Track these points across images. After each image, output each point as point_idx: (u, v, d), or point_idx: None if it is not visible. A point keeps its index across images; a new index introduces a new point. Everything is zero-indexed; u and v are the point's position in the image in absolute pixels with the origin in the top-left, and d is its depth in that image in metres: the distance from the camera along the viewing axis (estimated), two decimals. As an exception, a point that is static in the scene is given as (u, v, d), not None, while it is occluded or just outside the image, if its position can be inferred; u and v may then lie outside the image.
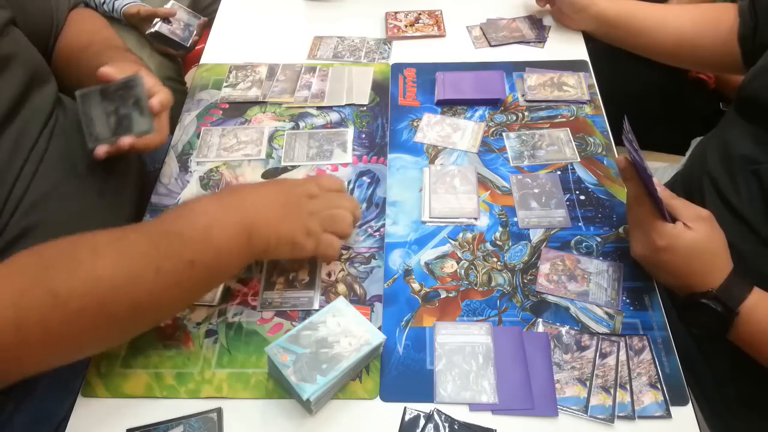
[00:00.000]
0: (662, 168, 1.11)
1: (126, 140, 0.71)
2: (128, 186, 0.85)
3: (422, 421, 0.62)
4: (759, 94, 0.75)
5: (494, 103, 0.94)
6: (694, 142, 1.08)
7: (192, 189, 0.84)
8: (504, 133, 0.90)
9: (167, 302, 0.60)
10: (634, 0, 0.99)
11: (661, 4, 0.99)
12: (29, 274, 0.54)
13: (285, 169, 0.86)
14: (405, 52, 1.05)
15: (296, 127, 0.92)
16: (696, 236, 0.65)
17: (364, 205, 0.81)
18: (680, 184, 0.90)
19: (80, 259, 0.55)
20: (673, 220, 0.67)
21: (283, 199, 0.67)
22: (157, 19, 1.36)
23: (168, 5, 1.38)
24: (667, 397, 0.63)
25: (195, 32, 1.42)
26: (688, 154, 1.08)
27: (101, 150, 0.71)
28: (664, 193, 0.67)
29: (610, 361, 0.66)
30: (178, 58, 1.47)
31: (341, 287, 0.73)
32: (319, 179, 0.74)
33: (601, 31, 1.01)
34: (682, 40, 0.94)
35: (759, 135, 0.75)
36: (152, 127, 0.72)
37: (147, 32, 1.36)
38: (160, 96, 0.73)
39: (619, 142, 0.94)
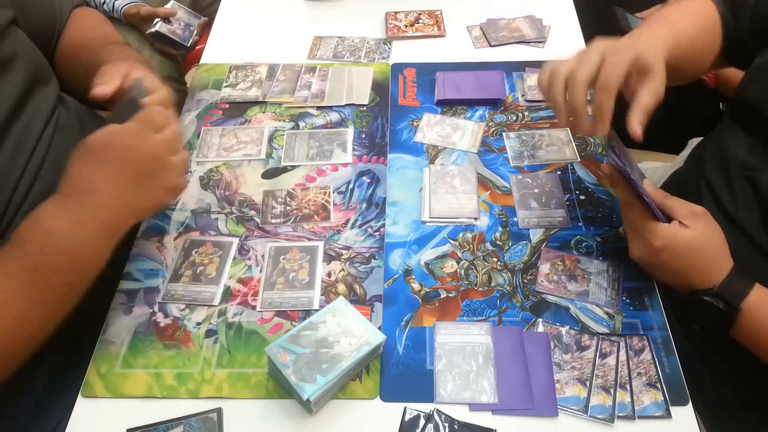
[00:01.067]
0: (654, 168, 1.11)
1: None
2: None
3: (422, 421, 0.62)
4: (755, 102, 0.75)
5: (494, 103, 0.94)
6: (692, 142, 1.08)
7: (192, 189, 0.84)
8: (504, 133, 0.90)
9: (60, 317, 0.61)
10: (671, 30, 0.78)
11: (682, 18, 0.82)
12: None
13: (285, 169, 0.86)
14: (405, 52, 1.05)
15: (296, 127, 0.92)
16: (692, 234, 0.65)
17: (364, 205, 0.81)
18: (676, 188, 0.89)
19: None
20: (669, 219, 0.66)
21: (134, 178, 0.63)
22: (157, 19, 1.36)
23: (168, 5, 1.38)
24: (667, 397, 0.63)
25: (195, 32, 1.42)
26: (683, 154, 1.08)
27: None
28: (656, 193, 0.67)
29: (610, 361, 0.66)
30: (178, 57, 1.47)
31: (341, 287, 0.73)
32: (150, 120, 0.65)
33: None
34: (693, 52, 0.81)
35: (754, 142, 0.75)
36: None
37: (147, 32, 1.36)
38: (156, 95, 0.70)
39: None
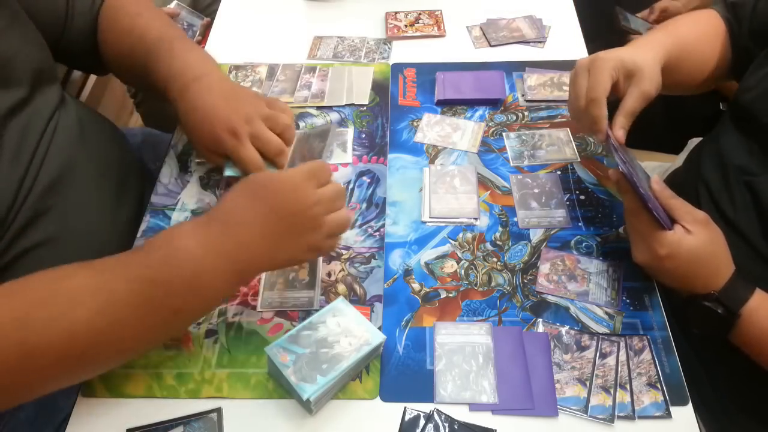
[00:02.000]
0: (653, 168, 1.10)
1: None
2: (129, 182, 0.85)
3: (422, 421, 0.62)
4: (752, 107, 0.75)
5: (494, 103, 0.94)
6: (692, 142, 1.08)
7: (192, 189, 0.84)
8: (504, 133, 0.90)
9: (150, 343, 0.61)
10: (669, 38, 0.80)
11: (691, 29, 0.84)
12: (5, 327, 0.51)
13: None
14: (405, 52, 1.05)
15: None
16: (696, 241, 0.65)
17: (364, 205, 0.81)
18: (674, 189, 0.89)
19: (58, 310, 0.53)
20: (672, 221, 0.66)
21: (282, 223, 0.60)
22: None
23: (171, 5, 1.38)
24: (667, 397, 0.63)
25: (198, 32, 1.42)
26: (682, 154, 1.08)
27: None
28: (663, 192, 0.66)
29: (610, 361, 0.66)
30: (178, 57, 1.47)
31: (341, 287, 0.73)
32: (315, 175, 0.63)
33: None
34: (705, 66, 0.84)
35: (752, 147, 0.75)
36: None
37: None
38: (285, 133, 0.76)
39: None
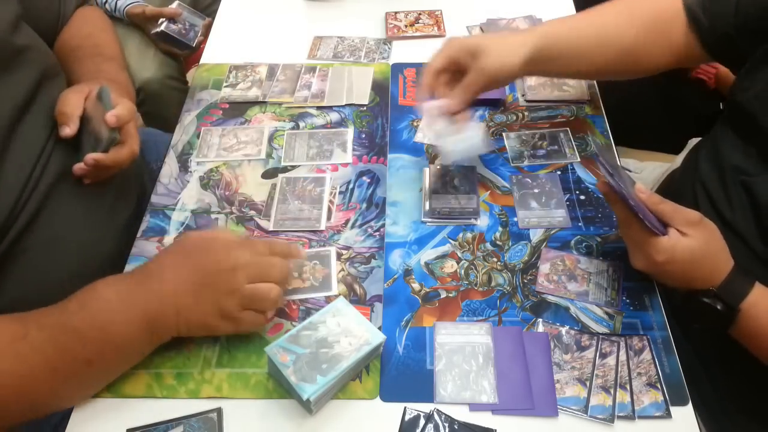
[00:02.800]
0: (652, 168, 1.10)
1: (88, 157, 0.70)
2: (131, 181, 0.85)
3: (422, 421, 0.62)
4: (749, 108, 0.74)
5: (494, 103, 0.94)
6: (692, 142, 1.08)
7: (192, 189, 0.84)
8: (504, 133, 0.90)
9: (69, 396, 0.60)
10: (563, 27, 0.84)
11: (596, 21, 0.85)
12: None
13: (285, 169, 0.86)
14: (405, 52, 1.05)
15: (296, 127, 0.92)
16: (693, 242, 0.64)
17: (364, 205, 0.81)
18: (672, 189, 0.89)
19: None
20: (665, 225, 0.66)
21: (198, 279, 0.61)
22: (162, 19, 1.36)
23: (173, 5, 1.39)
24: (667, 397, 0.63)
25: (200, 32, 1.42)
26: (682, 154, 1.08)
27: (76, 169, 0.71)
28: (651, 198, 0.65)
29: (610, 361, 0.66)
30: (180, 57, 1.48)
31: (341, 287, 0.73)
32: (254, 244, 0.65)
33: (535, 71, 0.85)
34: (627, 54, 0.82)
35: (748, 148, 0.74)
36: (112, 137, 0.70)
37: (152, 32, 1.37)
38: (116, 110, 0.70)
39: (619, 142, 0.93)
